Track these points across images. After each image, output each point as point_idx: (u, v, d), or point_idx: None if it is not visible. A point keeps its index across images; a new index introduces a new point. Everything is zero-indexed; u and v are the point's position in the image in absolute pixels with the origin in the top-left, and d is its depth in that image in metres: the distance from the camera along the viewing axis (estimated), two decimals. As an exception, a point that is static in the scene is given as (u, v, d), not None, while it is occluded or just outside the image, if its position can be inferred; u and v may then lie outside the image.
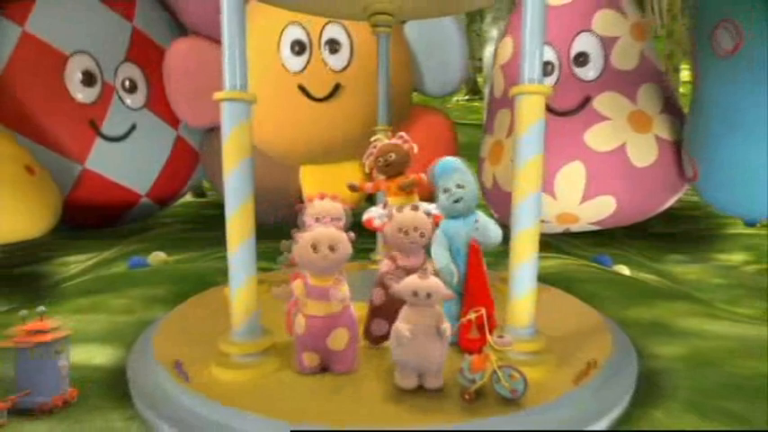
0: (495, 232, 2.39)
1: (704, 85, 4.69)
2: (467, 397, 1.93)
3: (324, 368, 2.13)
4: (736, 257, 6.09)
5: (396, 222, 2.23)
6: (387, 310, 2.26)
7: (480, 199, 2.88)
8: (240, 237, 2.10)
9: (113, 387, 2.38)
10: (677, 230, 7.20)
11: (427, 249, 2.41)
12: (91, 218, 5.95)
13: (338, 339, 2.06)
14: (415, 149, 2.89)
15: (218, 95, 2.07)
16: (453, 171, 2.39)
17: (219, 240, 6.34)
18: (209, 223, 7.48)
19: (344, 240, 2.01)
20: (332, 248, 1.96)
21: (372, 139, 3.01)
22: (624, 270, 4.65)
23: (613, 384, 2.15)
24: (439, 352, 1.94)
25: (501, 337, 1.97)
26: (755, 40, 3.98)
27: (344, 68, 4.87)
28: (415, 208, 2.25)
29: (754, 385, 2.40)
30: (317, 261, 1.97)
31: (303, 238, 1.98)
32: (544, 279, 3.78)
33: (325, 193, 2.50)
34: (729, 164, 4.43)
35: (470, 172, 2.45)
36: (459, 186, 2.35)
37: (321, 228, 2.01)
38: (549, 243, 5.83)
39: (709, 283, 5.25)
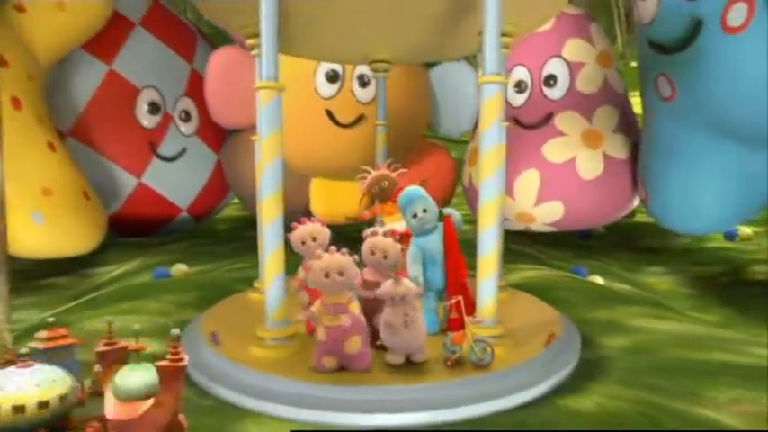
0: (457, 216, 3.20)
1: (652, 120, 5.62)
2: (449, 363, 2.72)
3: (342, 368, 2.71)
4: (713, 269, 6.86)
5: (365, 248, 2.92)
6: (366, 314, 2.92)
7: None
8: (273, 246, 2.87)
9: (168, 367, 3.15)
10: (661, 245, 7.98)
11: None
12: (138, 227, 7.08)
13: (353, 344, 2.65)
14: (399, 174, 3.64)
15: (257, 84, 2.82)
16: (417, 199, 3.11)
17: (230, 254, 7.13)
18: (218, 238, 8.29)
19: (351, 265, 2.58)
20: (340, 273, 2.55)
21: (363, 167, 3.75)
22: (598, 280, 5.42)
23: (558, 359, 2.92)
24: (417, 336, 2.69)
25: (473, 317, 2.77)
26: (688, 90, 4.88)
27: (370, 101, 5.76)
28: (386, 234, 2.94)
29: (675, 367, 3.18)
30: (329, 285, 2.56)
31: (316, 266, 2.56)
32: (524, 287, 4.61)
33: (308, 218, 3.19)
34: (672, 189, 5.33)
35: (429, 196, 3.18)
36: (424, 211, 3.10)
37: (329, 256, 2.55)
38: (537, 257, 6.63)
39: (679, 293, 6.04)
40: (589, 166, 5.88)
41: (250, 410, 2.53)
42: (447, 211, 3.25)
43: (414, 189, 3.17)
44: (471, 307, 3.01)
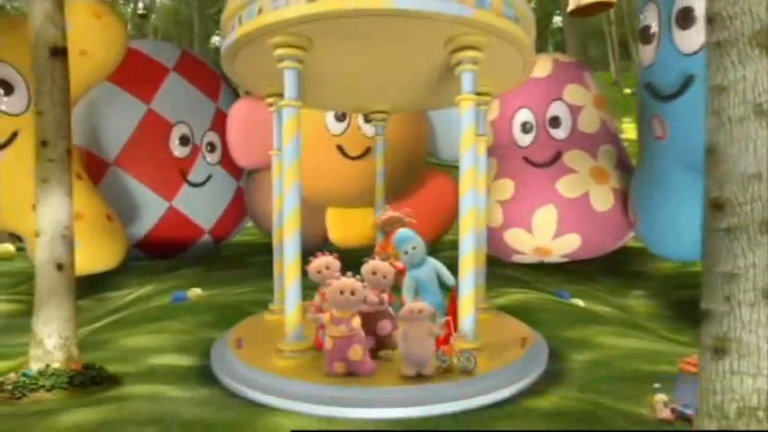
0: (447, 275, 4.05)
1: (645, 153, 6.41)
2: (441, 371, 3.54)
3: (350, 373, 3.50)
4: (694, 293, 7.64)
5: (367, 269, 3.81)
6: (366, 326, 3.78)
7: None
8: (293, 276, 3.72)
9: (199, 375, 3.98)
10: (646, 269, 8.82)
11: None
12: (165, 248, 8.23)
13: (355, 352, 3.49)
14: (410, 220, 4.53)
15: (282, 103, 3.67)
16: (407, 240, 4.05)
17: (236, 279, 8.05)
18: (223, 264, 9.13)
19: (361, 288, 3.47)
20: (352, 293, 3.43)
21: (382, 211, 4.64)
22: (579, 302, 6.24)
23: (526, 368, 3.75)
24: (428, 349, 3.50)
25: (459, 332, 3.62)
26: (678, 133, 5.52)
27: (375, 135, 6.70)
28: (384, 259, 3.84)
29: (627, 376, 4.00)
30: (342, 301, 3.43)
31: (333, 285, 3.44)
32: (509, 308, 5.44)
33: (322, 253, 4.06)
34: (659, 217, 6.10)
35: (418, 236, 4.11)
36: (413, 248, 4.01)
37: (345, 279, 3.45)
38: (527, 282, 7.45)
39: (658, 315, 6.86)
40: (601, 199, 6.75)
41: (274, 407, 3.35)
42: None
43: (405, 231, 4.12)
44: (456, 324, 3.88)
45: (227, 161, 8.46)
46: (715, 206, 2.04)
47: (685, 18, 5.12)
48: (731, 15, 2.01)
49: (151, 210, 7.79)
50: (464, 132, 3.59)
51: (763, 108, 1.98)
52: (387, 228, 4.49)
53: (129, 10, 20.19)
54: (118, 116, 7.68)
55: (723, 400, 2.01)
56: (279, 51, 3.48)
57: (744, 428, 1.99)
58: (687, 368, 3.20)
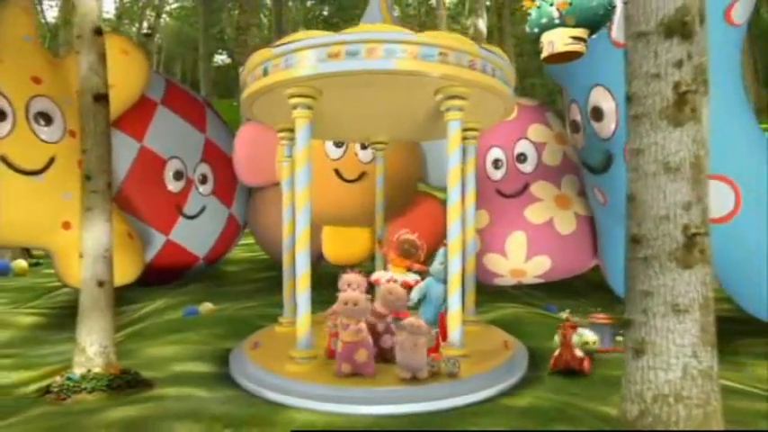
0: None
1: (597, 217, 7.55)
2: (431, 374, 4.23)
3: (354, 374, 4.22)
4: (680, 307, 8.34)
5: (384, 289, 4.58)
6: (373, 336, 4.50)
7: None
8: (304, 288, 4.42)
9: (219, 379, 4.67)
10: (635, 284, 9.47)
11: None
12: (162, 277, 8.75)
13: (361, 355, 4.23)
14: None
15: (295, 113, 4.35)
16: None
17: (242, 295, 8.86)
18: (228, 280, 9.83)
19: (364, 300, 4.25)
20: (355, 304, 4.21)
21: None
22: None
23: (506, 374, 4.44)
24: (419, 358, 4.18)
25: (447, 342, 4.31)
26: (614, 200, 6.64)
27: (370, 161, 7.50)
28: (394, 281, 4.57)
29: (597, 379, 4.70)
30: (347, 311, 4.21)
31: (341, 297, 4.23)
32: (498, 321, 6.12)
33: (351, 270, 4.76)
34: (617, 267, 6.95)
35: None
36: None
37: (350, 293, 4.23)
38: (519, 297, 8.14)
39: (640, 328, 7.51)
40: (565, 224, 7.58)
41: (288, 405, 4.03)
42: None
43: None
44: (445, 335, 4.58)
45: (219, 190, 9.05)
46: (634, 240, 2.75)
47: (596, 114, 6.58)
48: (645, 95, 2.73)
49: (149, 244, 8.25)
50: (451, 170, 4.33)
51: (671, 166, 2.69)
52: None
53: (134, 29, 21.13)
54: (114, 158, 7.92)
55: (642, 389, 2.71)
56: (293, 100, 4.22)
57: (658, 411, 2.68)
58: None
